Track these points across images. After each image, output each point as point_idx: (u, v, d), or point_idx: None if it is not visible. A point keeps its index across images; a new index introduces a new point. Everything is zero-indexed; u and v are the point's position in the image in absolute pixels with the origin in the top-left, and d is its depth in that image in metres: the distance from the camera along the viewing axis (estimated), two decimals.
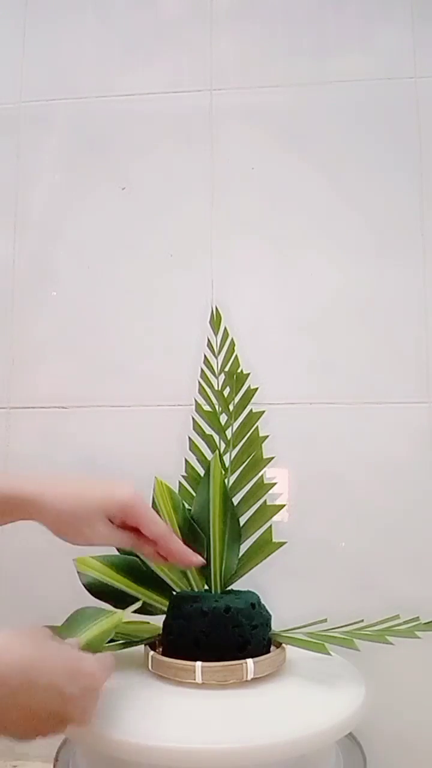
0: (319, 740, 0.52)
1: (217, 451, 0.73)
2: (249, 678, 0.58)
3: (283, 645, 0.64)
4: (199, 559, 0.62)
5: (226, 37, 0.90)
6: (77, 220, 0.89)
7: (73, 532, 0.57)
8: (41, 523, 0.58)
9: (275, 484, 0.73)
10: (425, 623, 0.62)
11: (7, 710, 0.45)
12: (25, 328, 0.88)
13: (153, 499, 0.70)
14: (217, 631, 0.60)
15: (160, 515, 0.69)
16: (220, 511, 0.69)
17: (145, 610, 0.66)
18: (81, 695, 0.47)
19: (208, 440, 0.75)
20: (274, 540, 0.69)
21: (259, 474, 0.73)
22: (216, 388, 0.77)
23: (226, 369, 0.77)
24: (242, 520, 0.71)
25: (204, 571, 0.68)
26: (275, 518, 0.71)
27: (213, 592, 0.68)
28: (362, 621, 0.64)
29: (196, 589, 0.68)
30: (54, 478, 0.60)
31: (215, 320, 0.80)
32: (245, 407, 0.76)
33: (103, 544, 0.59)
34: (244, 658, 0.59)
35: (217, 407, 0.76)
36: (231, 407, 0.75)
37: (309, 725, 0.52)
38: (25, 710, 0.45)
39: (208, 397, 0.77)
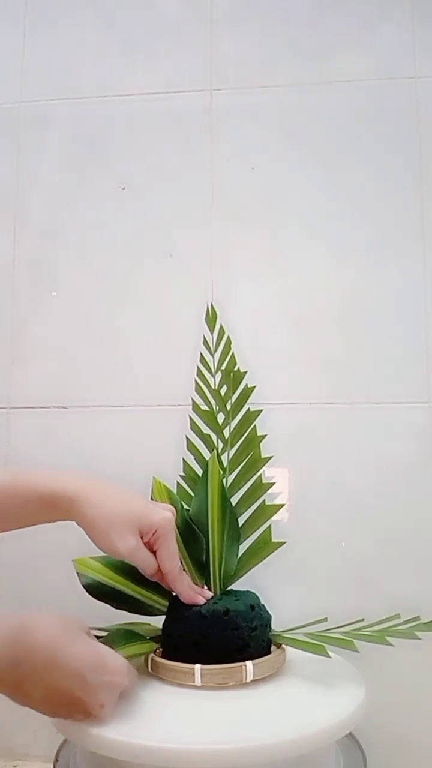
0: (319, 740, 0.52)
1: (215, 451, 0.73)
2: (248, 680, 0.58)
3: (283, 646, 0.64)
4: (205, 597, 0.64)
5: (226, 37, 0.90)
6: (77, 219, 0.89)
7: (103, 538, 0.58)
8: (79, 524, 0.59)
9: (274, 483, 0.73)
10: (425, 623, 0.62)
11: (30, 685, 0.47)
12: (25, 328, 0.88)
13: (151, 499, 0.71)
14: (216, 633, 0.59)
15: None
16: (218, 511, 0.69)
17: (144, 610, 0.66)
18: (101, 688, 0.50)
19: (206, 440, 0.75)
20: (273, 540, 0.69)
21: (258, 473, 0.73)
22: (213, 386, 0.77)
23: (223, 367, 0.77)
24: (241, 520, 0.71)
25: (203, 571, 0.68)
26: (274, 518, 0.71)
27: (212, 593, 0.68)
28: (362, 620, 0.64)
29: None
30: (97, 480, 0.60)
31: (210, 318, 0.80)
32: (243, 406, 0.76)
33: (128, 558, 0.59)
34: (243, 660, 0.59)
35: (214, 406, 0.76)
36: (228, 406, 0.75)
37: (309, 725, 0.52)
38: (47, 689, 0.47)
39: (205, 396, 0.77)
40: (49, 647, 0.47)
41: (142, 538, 0.59)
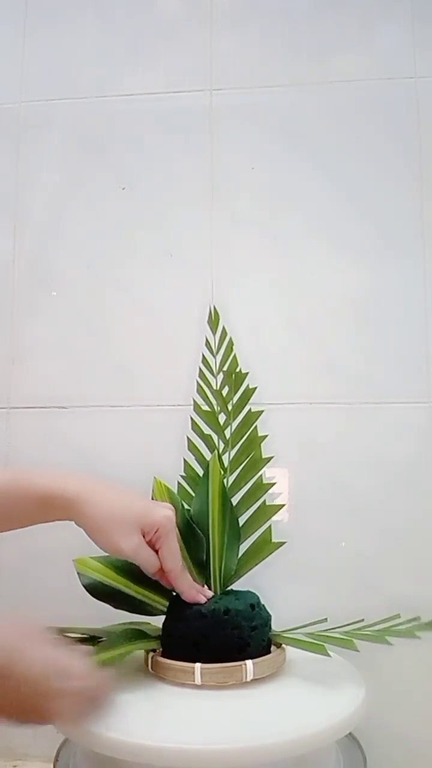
0: (319, 740, 0.52)
1: (215, 451, 0.73)
2: (248, 679, 0.58)
3: (283, 645, 0.64)
4: (207, 595, 0.64)
5: (226, 37, 0.90)
6: (77, 220, 0.89)
7: (106, 538, 0.58)
8: (79, 524, 0.59)
9: (274, 483, 0.73)
10: (425, 623, 0.62)
11: None
12: (25, 328, 0.88)
13: (152, 499, 0.71)
14: (216, 633, 0.59)
15: None
16: (219, 511, 0.69)
17: (144, 610, 0.66)
18: (64, 694, 0.48)
19: (207, 440, 0.75)
20: (273, 540, 0.69)
21: (259, 474, 0.73)
22: (214, 387, 0.77)
23: (225, 368, 0.77)
24: (241, 520, 0.71)
25: (203, 571, 0.68)
26: (275, 518, 0.71)
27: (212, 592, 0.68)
28: (362, 620, 0.64)
29: None
30: (96, 480, 0.60)
31: (213, 319, 0.80)
32: (244, 407, 0.76)
33: (131, 557, 0.59)
34: (243, 659, 0.59)
35: (215, 407, 0.76)
36: (230, 407, 0.75)
37: (309, 725, 0.52)
38: (6, 697, 0.46)
39: (207, 396, 0.77)
40: (1, 654, 0.46)
41: (144, 537, 0.59)
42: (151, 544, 0.60)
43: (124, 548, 0.58)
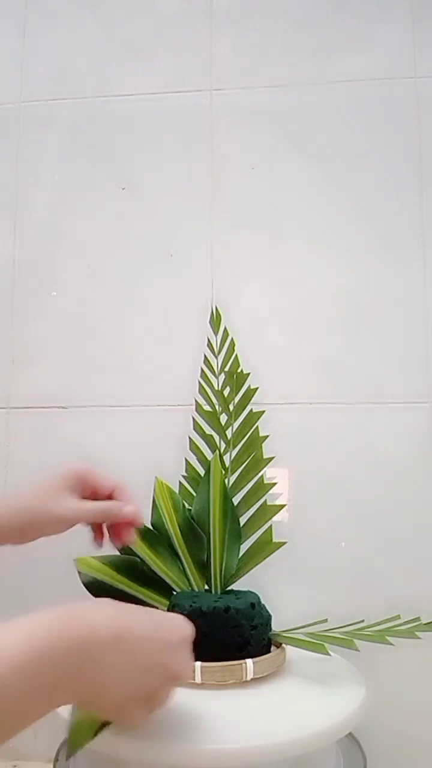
0: (319, 740, 0.52)
1: (217, 451, 0.73)
2: (248, 678, 0.58)
3: (283, 645, 0.64)
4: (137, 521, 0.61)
5: (226, 37, 0.90)
6: (77, 220, 0.89)
7: (47, 518, 0.57)
8: (13, 535, 0.58)
9: (275, 484, 0.73)
10: (426, 623, 0.62)
11: (105, 671, 0.42)
12: (25, 328, 0.88)
13: (153, 498, 0.71)
14: (217, 631, 0.59)
15: (160, 514, 0.69)
16: (220, 511, 0.69)
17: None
18: (177, 644, 0.47)
19: (209, 440, 0.75)
20: (274, 540, 0.69)
21: (260, 474, 0.73)
22: (216, 388, 0.77)
23: (226, 369, 0.77)
24: (242, 520, 0.71)
25: (204, 571, 0.68)
26: (275, 518, 0.71)
27: (213, 592, 0.68)
28: (363, 621, 0.64)
29: (196, 589, 0.68)
30: (10, 496, 0.60)
31: (215, 320, 0.80)
32: (245, 407, 0.76)
33: (79, 518, 0.58)
34: (243, 658, 0.59)
35: (217, 407, 0.76)
36: (231, 407, 0.75)
37: (309, 725, 0.52)
38: (126, 667, 0.43)
39: (209, 397, 0.77)
40: (111, 623, 0.43)
41: (80, 496, 0.59)
42: (86, 494, 0.59)
43: (67, 514, 0.57)
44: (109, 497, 0.60)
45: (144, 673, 0.45)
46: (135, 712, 0.45)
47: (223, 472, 0.71)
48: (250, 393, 0.76)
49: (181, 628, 0.48)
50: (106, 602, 0.45)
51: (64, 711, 0.47)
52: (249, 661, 0.58)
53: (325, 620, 0.66)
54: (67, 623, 0.41)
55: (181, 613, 0.61)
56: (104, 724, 0.47)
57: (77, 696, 0.43)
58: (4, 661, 0.38)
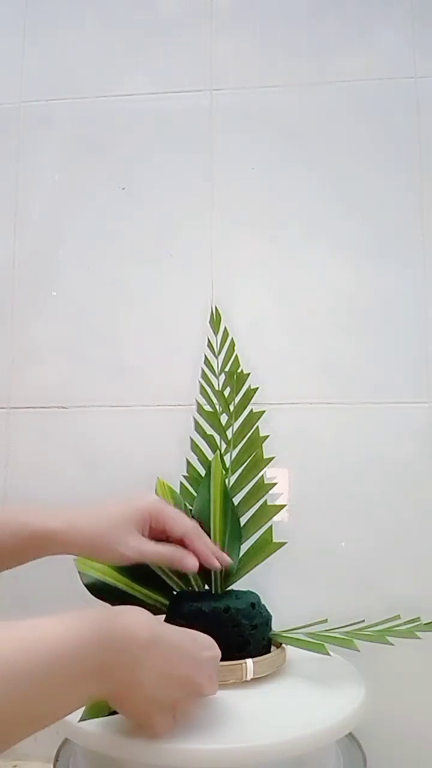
0: (319, 740, 0.52)
1: (217, 451, 0.73)
2: (248, 678, 0.58)
3: (283, 645, 0.64)
4: (224, 561, 0.62)
5: (226, 37, 0.90)
6: (77, 220, 0.89)
7: (106, 552, 0.57)
8: (72, 554, 0.59)
9: (276, 484, 0.73)
10: (426, 624, 0.62)
11: (141, 673, 0.44)
12: (25, 328, 0.88)
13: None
14: (217, 631, 0.59)
15: None
16: (220, 511, 0.69)
17: (146, 609, 0.66)
18: (206, 660, 0.48)
19: (209, 440, 0.75)
20: (274, 540, 0.69)
21: (260, 474, 0.73)
22: (216, 388, 0.77)
23: (227, 369, 0.77)
24: (243, 520, 0.71)
25: (204, 570, 0.68)
26: (275, 518, 0.71)
27: (213, 592, 0.68)
28: (363, 621, 0.64)
29: (196, 589, 0.68)
30: (76, 509, 0.59)
31: (215, 320, 0.80)
32: (246, 407, 0.76)
33: (137, 558, 0.58)
34: (243, 658, 0.59)
35: (217, 407, 0.76)
36: (231, 407, 0.75)
37: (309, 725, 0.52)
38: (160, 671, 0.45)
39: (209, 397, 0.77)
40: (149, 626, 0.45)
41: (143, 532, 0.59)
42: (157, 532, 0.59)
43: (127, 553, 0.57)
44: (180, 542, 0.60)
45: (173, 681, 0.46)
46: (159, 719, 0.47)
47: (224, 472, 0.71)
48: (251, 393, 0.76)
49: (212, 647, 0.50)
50: (141, 609, 0.46)
51: None
52: (249, 661, 0.58)
53: (325, 620, 0.66)
54: (108, 622, 0.43)
55: (181, 614, 0.61)
56: None
57: (109, 692, 0.44)
58: (46, 651, 0.39)
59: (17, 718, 0.38)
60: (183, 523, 0.60)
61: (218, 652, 0.50)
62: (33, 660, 0.39)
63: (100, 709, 0.50)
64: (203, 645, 0.50)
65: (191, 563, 0.59)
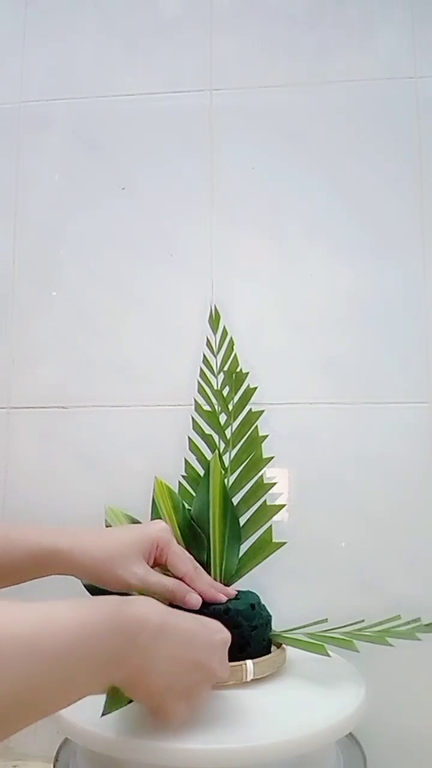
0: (319, 740, 0.52)
1: (216, 451, 0.73)
2: (248, 679, 0.58)
3: (284, 645, 0.64)
4: (229, 594, 0.63)
5: (226, 37, 0.90)
6: (77, 220, 0.89)
7: (110, 577, 0.57)
8: (80, 575, 0.58)
9: (275, 483, 0.73)
10: (426, 624, 0.62)
11: (156, 658, 0.44)
12: (25, 328, 0.88)
13: (153, 499, 0.71)
14: None
15: (160, 515, 0.69)
16: (220, 511, 0.69)
17: None
18: (216, 645, 0.49)
19: (208, 440, 0.75)
20: (274, 540, 0.69)
21: (259, 474, 0.73)
22: (215, 387, 0.77)
23: (226, 368, 0.77)
24: (242, 520, 0.71)
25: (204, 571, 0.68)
26: (275, 518, 0.71)
27: None
28: (363, 621, 0.64)
29: None
30: (85, 529, 0.60)
31: (214, 319, 0.80)
32: (244, 407, 0.76)
33: (141, 588, 0.58)
34: (243, 659, 0.59)
35: (216, 407, 0.76)
36: (230, 407, 0.75)
37: (309, 725, 0.52)
38: (172, 657, 0.46)
39: (208, 396, 0.77)
40: (159, 612, 0.46)
41: (147, 561, 0.59)
42: (159, 563, 0.60)
43: (131, 581, 0.57)
44: (179, 579, 0.60)
45: (185, 666, 0.47)
46: (174, 706, 0.47)
47: (223, 472, 0.71)
48: (250, 392, 0.76)
49: (222, 631, 0.51)
50: (150, 599, 0.47)
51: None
52: (249, 662, 0.58)
53: (325, 620, 0.66)
54: (119, 611, 0.44)
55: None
56: None
57: (123, 679, 0.45)
58: (64, 633, 0.40)
59: (32, 698, 0.38)
60: (185, 563, 0.60)
61: (228, 636, 0.51)
62: (51, 641, 0.39)
63: (119, 701, 0.50)
64: (213, 629, 0.51)
65: (194, 600, 0.59)
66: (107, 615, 0.43)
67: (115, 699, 0.50)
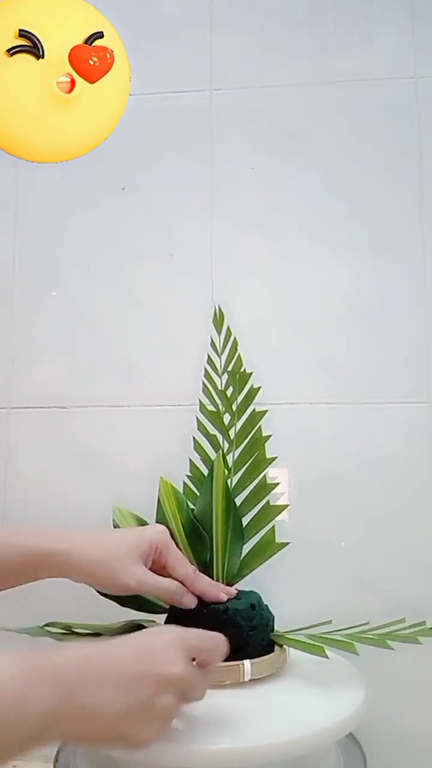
0: (319, 740, 0.52)
1: (220, 451, 0.73)
2: (246, 679, 0.58)
3: (284, 646, 0.64)
4: (230, 593, 0.63)
5: (226, 37, 0.90)
6: (77, 220, 0.89)
7: (108, 578, 0.57)
8: (74, 579, 0.58)
9: (278, 484, 0.73)
10: (429, 628, 0.61)
11: (88, 697, 0.42)
12: (25, 328, 0.88)
13: (158, 499, 0.71)
14: (215, 632, 0.59)
15: (164, 515, 0.69)
16: (222, 511, 0.69)
17: (150, 608, 0.66)
18: (161, 648, 0.46)
19: (212, 440, 0.75)
20: (276, 540, 0.69)
21: (262, 474, 0.72)
22: (219, 387, 0.77)
23: (229, 368, 0.77)
24: (245, 520, 0.71)
25: (206, 571, 0.68)
26: (277, 518, 0.71)
27: None
28: (367, 623, 0.63)
29: None
30: (82, 532, 0.59)
31: (218, 319, 0.80)
32: (248, 407, 0.76)
33: (139, 590, 0.58)
34: (241, 659, 0.59)
35: (220, 407, 0.76)
36: (234, 407, 0.75)
37: (309, 725, 0.52)
38: (106, 687, 0.43)
39: (212, 396, 0.77)
40: (78, 650, 0.44)
41: (146, 564, 0.59)
42: (158, 566, 0.60)
43: (130, 583, 0.57)
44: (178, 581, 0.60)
45: (129, 685, 0.43)
46: (140, 730, 0.44)
47: (226, 472, 0.71)
48: (253, 392, 0.76)
49: (164, 632, 0.48)
50: (83, 644, 0.47)
51: None
52: (247, 662, 0.58)
53: (330, 621, 0.65)
54: (39, 664, 0.42)
55: (181, 614, 0.61)
56: None
57: (69, 730, 0.43)
58: None
59: None
60: (185, 566, 0.61)
61: (174, 633, 0.48)
62: None
63: None
64: (153, 634, 0.49)
65: (190, 601, 0.60)
66: (27, 673, 0.41)
67: None
